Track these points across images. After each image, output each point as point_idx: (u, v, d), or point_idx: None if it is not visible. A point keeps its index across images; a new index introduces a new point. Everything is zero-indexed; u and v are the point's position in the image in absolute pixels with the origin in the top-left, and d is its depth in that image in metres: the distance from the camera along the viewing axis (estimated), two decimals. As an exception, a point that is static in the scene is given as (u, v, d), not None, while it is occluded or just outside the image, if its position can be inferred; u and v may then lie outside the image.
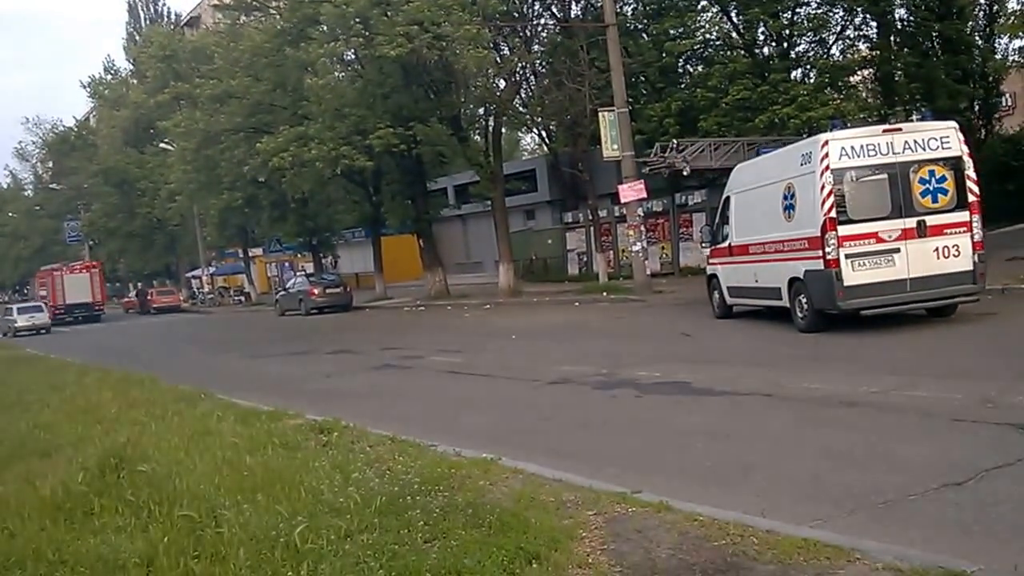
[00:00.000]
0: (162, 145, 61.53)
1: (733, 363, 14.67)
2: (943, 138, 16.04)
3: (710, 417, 10.87)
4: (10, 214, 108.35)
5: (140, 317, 64.80)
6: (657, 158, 29.26)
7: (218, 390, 15.87)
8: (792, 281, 17.08)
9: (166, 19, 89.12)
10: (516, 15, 36.99)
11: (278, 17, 40.65)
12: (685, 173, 29.31)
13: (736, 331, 19.14)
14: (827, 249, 15.69)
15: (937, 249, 15.69)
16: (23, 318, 56.73)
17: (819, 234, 15.83)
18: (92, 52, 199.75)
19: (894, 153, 15.80)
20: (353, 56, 39.92)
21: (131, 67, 79.46)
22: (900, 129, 16.39)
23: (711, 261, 21.66)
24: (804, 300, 16.81)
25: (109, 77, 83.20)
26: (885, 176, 15.86)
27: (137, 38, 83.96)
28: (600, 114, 30.45)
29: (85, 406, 15.12)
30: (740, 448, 9.12)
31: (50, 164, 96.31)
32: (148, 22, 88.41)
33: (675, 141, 28.88)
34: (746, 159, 26.43)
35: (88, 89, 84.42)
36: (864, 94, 31.82)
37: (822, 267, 15.86)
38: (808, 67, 30.76)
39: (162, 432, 11.57)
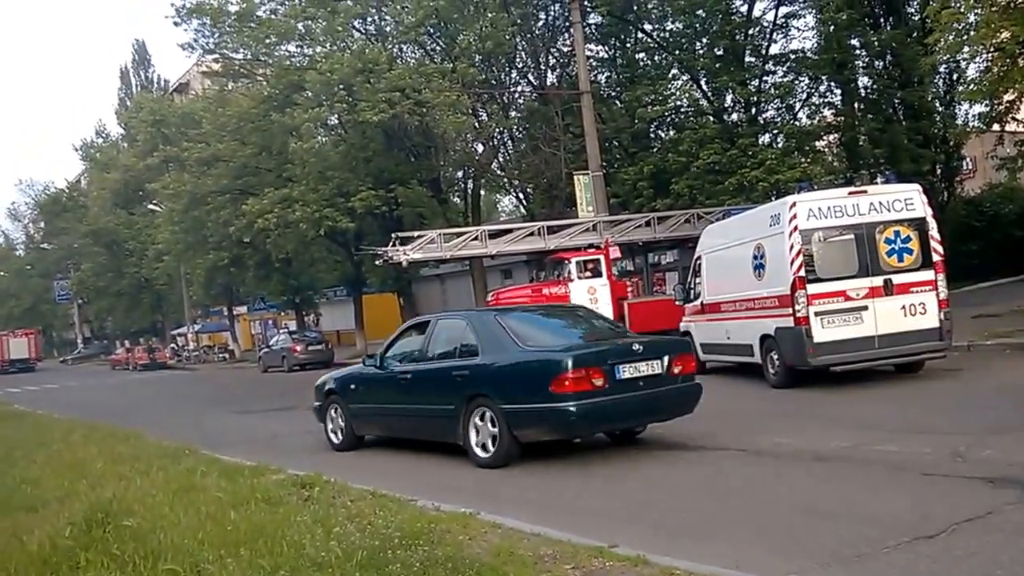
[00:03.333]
0: (151, 207, 61.70)
1: (706, 418, 13.96)
2: (907, 200, 16.06)
3: (684, 472, 10.73)
4: (1, 273, 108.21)
5: (127, 374, 63.97)
6: (385, 251, 29.68)
7: (202, 445, 15.54)
8: (763, 338, 16.93)
9: (156, 85, 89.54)
10: (494, 82, 37.29)
11: (264, 84, 40.90)
12: (404, 264, 29.79)
13: (709, 387, 18.18)
14: (797, 307, 15.58)
15: (904, 307, 15.65)
16: None
17: (789, 292, 15.73)
18: (84, 116, 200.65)
19: (860, 214, 15.76)
20: (337, 121, 40.25)
21: (122, 131, 79.37)
22: (865, 191, 16.43)
23: (684, 319, 21.39)
24: (775, 357, 16.65)
25: (100, 140, 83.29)
26: (852, 236, 15.79)
27: (128, 103, 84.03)
28: (576, 177, 30.56)
29: (72, 461, 14.68)
30: (714, 502, 9.01)
31: (42, 224, 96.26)
32: (139, 88, 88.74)
33: (396, 235, 29.55)
34: (478, 248, 28.60)
35: (80, 152, 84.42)
36: (830, 158, 32.08)
37: (792, 324, 15.73)
38: (776, 132, 31.05)
39: (147, 487, 11.27)
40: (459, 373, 12.54)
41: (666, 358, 12.11)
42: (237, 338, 66.50)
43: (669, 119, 33.98)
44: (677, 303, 22.25)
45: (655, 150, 33.65)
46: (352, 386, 14.94)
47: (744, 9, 31.42)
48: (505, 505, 9.31)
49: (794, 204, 15.87)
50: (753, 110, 31.02)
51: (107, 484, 11.62)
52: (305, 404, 22.79)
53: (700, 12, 30.98)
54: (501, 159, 40.81)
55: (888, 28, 29.14)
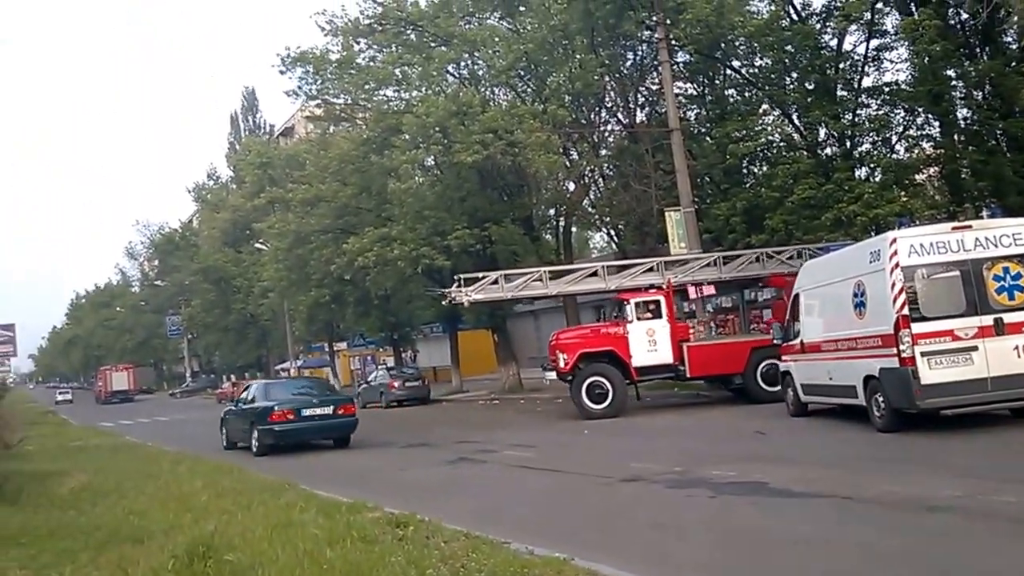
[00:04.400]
0: (257, 245, 62.52)
1: (810, 463, 14.05)
2: (1016, 234, 15.33)
3: (788, 521, 10.27)
4: (118, 308, 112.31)
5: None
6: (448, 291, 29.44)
7: (301, 481, 15.76)
8: (867, 379, 16.27)
9: (263, 130, 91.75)
10: (584, 122, 37.11)
11: (364, 127, 41.35)
12: (465, 304, 29.18)
13: (812, 430, 18.49)
14: (902, 347, 14.94)
15: (1018, 347, 14.79)
16: (60, 394, 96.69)
17: (892, 331, 15.11)
18: (198, 161, 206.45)
19: (965, 250, 15.12)
20: (433, 162, 40.30)
21: (231, 173, 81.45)
22: (970, 226, 15.70)
23: (784, 358, 20.85)
24: (880, 399, 15.96)
25: (212, 183, 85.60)
26: (957, 273, 15.14)
27: (237, 147, 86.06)
28: (667, 214, 30.08)
29: (178, 494, 15.20)
30: (822, 556, 8.57)
31: (156, 262, 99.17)
32: (247, 132, 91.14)
33: (461, 278, 28.81)
34: (539, 288, 28.71)
35: (192, 194, 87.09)
36: (931, 192, 30.99)
37: (897, 365, 15.08)
38: (873, 166, 30.06)
39: (248, 522, 11.53)
40: (250, 409, 25.22)
41: (332, 407, 24.72)
42: (337, 374, 66.77)
43: (761, 154, 33.15)
44: (775, 342, 21.62)
45: (748, 185, 32.94)
46: (225, 415, 28.12)
47: (834, 43, 30.71)
48: (595, 553, 8.91)
49: (894, 240, 15.38)
50: (848, 144, 30.16)
51: (210, 517, 12.02)
52: (401, 441, 25.14)
53: (789, 47, 30.35)
54: (592, 197, 40.59)
55: (985, 58, 28.04)
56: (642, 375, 26.04)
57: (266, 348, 79.86)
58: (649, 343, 25.57)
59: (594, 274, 28.52)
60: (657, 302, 25.96)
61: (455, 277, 30.04)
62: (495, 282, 28.69)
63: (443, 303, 32.13)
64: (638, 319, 25.76)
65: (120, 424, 46.67)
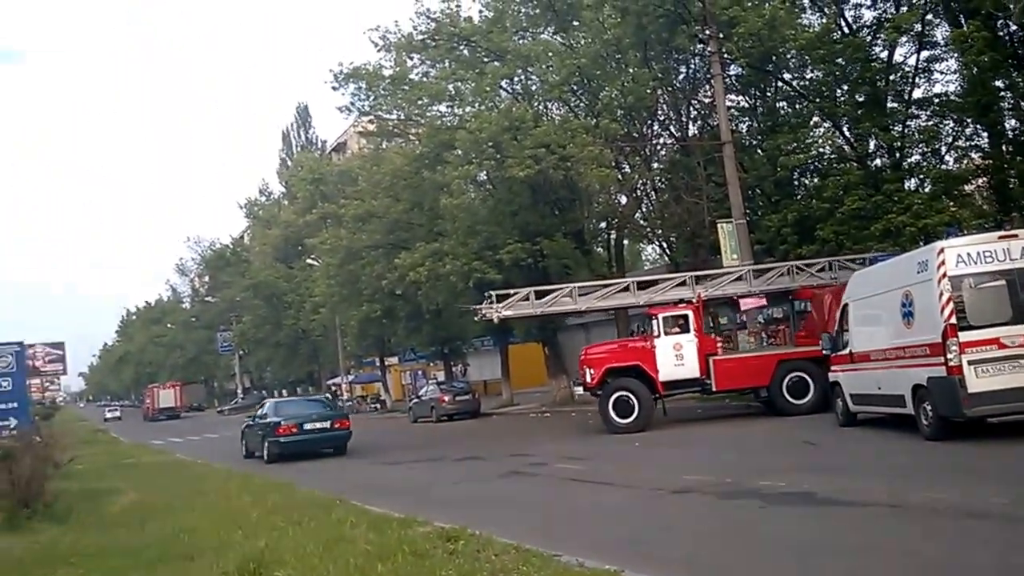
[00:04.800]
0: (309, 261, 63.59)
1: (858, 473, 14.15)
2: None
3: (837, 530, 10.32)
4: (168, 325, 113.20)
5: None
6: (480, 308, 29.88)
7: (352, 496, 15.89)
8: (915, 388, 16.34)
9: (316, 145, 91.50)
10: (636, 135, 37.29)
11: (417, 143, 41.84)
12: (495, 321, 29.81)
13: (861, 439, 18.50)
14: (949, 356, 14.98)
15: None
16: (109, 412, 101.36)
17: (940, 340, 15.17)
18: (249, 177, 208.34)
19: (1011, 259, 15.13)
20: (485, 177, 40.70)
21: (283, 189, 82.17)
22: (1016, 235, 15.69)
23: (833, 368, 20.86)
24: (928, 407, 16.02)
25: (263, 199, 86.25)
26: (1004, 282, 15.17)
27: (289, 163, 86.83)
28: (719, 225, 30.25)
29: (227, 510, 15.38)
30: (871, 565, 8.66)
31: (207, 278, 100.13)
32: (300, 148, 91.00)
33: (493, 294, 29.51)
34: (569, 304, 28.96)
35: (244, 210, 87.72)
36: (979, 201, 31.04)
37: (945, 374, 15.12)
38: (922, 177, 30.22)
39: (298, 538, 11.66)
40: (263, 424, 29.46)
41: (330, 421, 29.06)
42: (388, 388, 67.13)
43: (812, 166, 33.43)
44: (824, 352, 21.54)
45: (798, 197, 33.18)
46: (244, 429, 32.56)
47: (884, 55, 30.81)
48: (647, 565, 9.15)
49: (942, 250, 15.46)
50: (897, 155, 30.24)
51: (260, 534, 12.15)
52: (452, 455, 25.17)
53: (840, 60, 30.49)
54: (644, 209, 40.76)
55: None
56: (668, 389, 26.29)
57: (317, 363, 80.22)
58: (676, 357, 25.81)
59: (625, 289, 28.92)
60: (685, 316, 26.19)
61: (486, 294, 30.63)
62: (525, 298, 29.16)
63: (475, 319, 32.51)
64: (665, 333, 26.04)
65: (170, 441, 47.19)
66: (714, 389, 26.26)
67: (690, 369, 25.80)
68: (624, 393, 25.66)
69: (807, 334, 26.26)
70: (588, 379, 26.77)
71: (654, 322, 26.50)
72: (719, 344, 27.05)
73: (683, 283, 28.14)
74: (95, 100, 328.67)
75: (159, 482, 22.72)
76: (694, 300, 26.99)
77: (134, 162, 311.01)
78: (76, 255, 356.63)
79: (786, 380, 25.06)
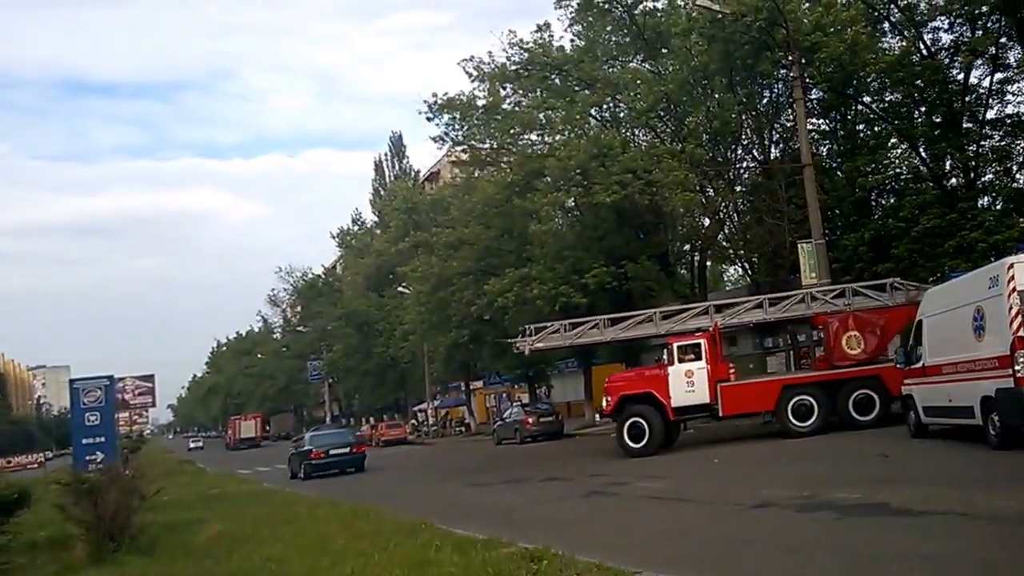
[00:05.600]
0: (400, 289, 63.80)
1: (929, 482, 14.32)
2: None
3: (909, 539, 10.40)
4: (259, 355, 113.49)
5: (369, 450, 65.10)
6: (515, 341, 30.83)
7: (437, 519, 15.79)
8: (984, 400, 16.52)
9: (409, 175, 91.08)
10: (720, 159, 37.80)
11: (508, 171, 42.35)
12: (527, 353, 30.94)
13: (931, 450, 18.81)
14: (1017, 367, 15.19)
15: None
16: (192, 443, 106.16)
17: (1009, 353, 15.37)
18: (340, 208, 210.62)
19: None
20: (573, 203, 40.97)
21: (375, 218, 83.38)
22: None
23: (906, 382, 21.14)
24: (996, 418, 16.20)
25: (356, 228, 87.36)
26: None
27: (382, 193, 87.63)
28: (799, 246, 30.69)
29: (314, 538, 15.37)
30: (942, 572, 8.88)
31: (298, 308, 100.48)
32: (392, 178, 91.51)
33: (528, 327, 30.51)
34: (597, 335, 29.50)
35: (337, 239, 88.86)
36: (1050, 217, 31.50)
37: (1012, 385, 15.30)
38: (994, 195, 30.82)
39: (384, 563, 11.70)
40: (302, 451, 39.93)
41: (350, 448, 39.27)
42: (473, 412, 67.34)
43: (889, 186, 34.01)
44: (898, 367, 21.94)
45: (875, 217, 33.73)
46: (291, 456, 41.65)
47: (960, 77, 31.46)
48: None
49: (1011, 265, 15.66)
50: (972, 174, 30.84)
51: (347, 561, 12.20)
52: (535, 476, 25.31)
53: (918, 82, 31.24)
54: (726, 231, 41.09)
55: None
56: (679, 415, 27.34)
57: (404, 390, 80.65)
58: (687, 384, 26.69)
59: (648, 320, 29.48)
60: (698, 345, 26.99)
61: (520, 328, 31.75)
62: (556, 331, 30.07)
63: (515, 351, 33.34)
64: (679, 361, 26.96)
65: (257, 471, 47.72)
66: (721, 414, 27.06)
67: (700, 395, 26.71)
68: (636, 419, 26.83)
69: (822, 359, 27.24)
70: (604, 406, 28.40)
71: (667, 351, 27.57)
72: (731, 371, 27.68)
73: (704, 312, 28.90)
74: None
75: (245, 511, 22.79)
76: (710, 329, 27.69)
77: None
78: (167, 289, 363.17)
79: (791, 404, 25.79)
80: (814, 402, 25.59)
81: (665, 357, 27.97)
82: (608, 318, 30.31)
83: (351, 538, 14.59)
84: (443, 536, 13.61)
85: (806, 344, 34.51)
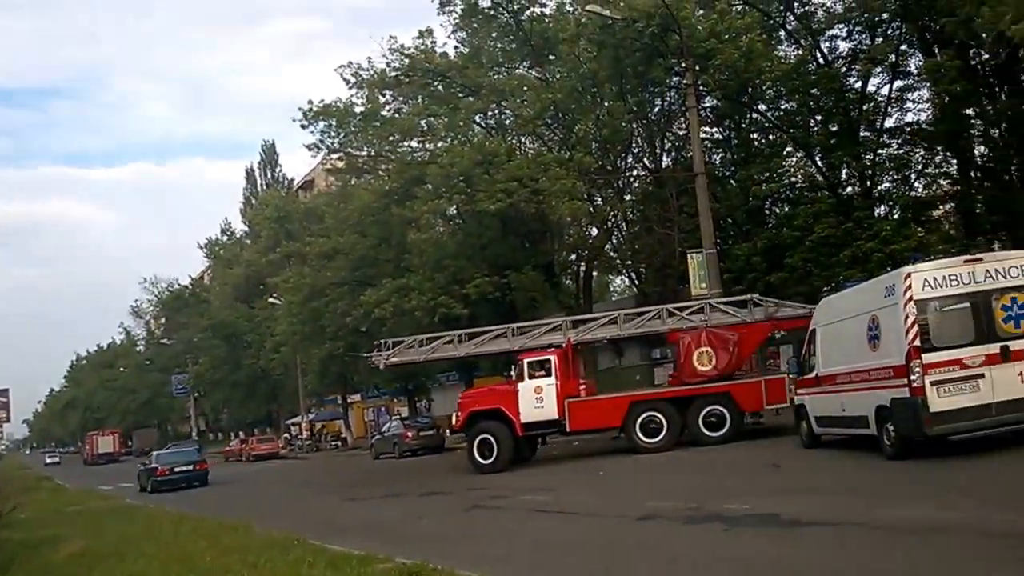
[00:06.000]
0: (270, 300, 62.11)
1: (822, 493, 14.33)
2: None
3: (797, 550, 10.41)
4: (121, 368, 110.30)
5: (240, 465, 63.05)
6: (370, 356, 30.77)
7: (311, 535, 15.47)
8: (879, 409, 16.37)
9: (282, 183, 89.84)
10: (610, 168, 37.29)
11: (386, 178, 41.20)
12: (381, 368, 30.75)
13: (824, 460, 18.71)
14: (912, 377, 15.06)
15: (1022, 373, 14.96)
16: (49, 458, 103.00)
17: (904, 362, 15.25)
18: (212, 218, 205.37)
19: (975, 282, 15.32)
20: (455, 211, 40.34)
21: (246, 228, 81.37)
22: (981, 259, 15.96)
23: (799, 392, 20.96)
24: (891, 428, 16.09)
25: (225, 238, 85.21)
26: (967, 304, 15.33)
27: (253, 202, 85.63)
28: (689, 255, 30.15)
29: (179, 555, 14.87)
30: None
31: (163, 320, 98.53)
32: (264, 187, 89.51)
33: (384, 342, 30.46)
34: (451, 351, 29.41)
35: (205, 250, 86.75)
36: (946, 227, 31.61)
37: (908, 395, 15.20)
38: (891, 204, 30.78)
39: None
40: (149, 467, 41.50)
41: (193, 465, 41.12)
42: (350, 426, 66.10)
43: (783, 195, 33.86)
44: (791, 376, 21.87)
45: (769, 226, 33.46)
46: (139, 472, 42.83)
47: (858, 85, 31.36)
48: None
49: (909, 275, 15.56)
50: (868, 183, 30.75)
51: None
52: (414, 491, 24.60)
53: (814, 91, 31.01)
54: (615, 241, 40.69)
55: (1003, 97, 28.96)
56: (528, 430, 26.88)
57: (276, 403, 79.04)
58: (536, 400, 26.26)
59: (502, 335, 29.14)
60: (548, 361, 26.60)
61: (374, 343, 31.35)
62: (410, 346, 29.79)
63: (370, 365, 32.86)
64: (529, 377, 26.52)
65: (120, 486, 45.86)
66: (568, 430, 26.69)
67: (548, 411, 26.31)
68: (486, 435, 26.53)
69: (675, 375, 26.92)
70: (454, 422, 28.28)
71: (518, 367, 27.22)
72: (582, 387, 27.40)
73: (557, 328, 28.51)
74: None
75: (108, 528, 22.13)
76: (563, 345, 27.29)
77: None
78: (22, 301, 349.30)
79: (639, 420, 25.49)
80: (663, 418, 25.32)
81: (515, 373, 27.65)
82: (465, 332, 30.07)
83: (219, 554, 14.11)
84: (316, 552, 13.23)
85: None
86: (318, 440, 67.50)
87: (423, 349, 29.68)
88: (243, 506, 25.80)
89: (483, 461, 26.38)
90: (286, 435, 72.46)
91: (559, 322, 28.99)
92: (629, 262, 40.18)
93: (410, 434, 43.50)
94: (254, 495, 33.07)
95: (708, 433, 24.80)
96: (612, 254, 41.38)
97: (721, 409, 24.86)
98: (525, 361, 26.86)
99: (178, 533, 18.46)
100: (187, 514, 23.13)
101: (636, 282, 40.77)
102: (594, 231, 40.16)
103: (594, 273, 44.39)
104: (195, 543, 16.07)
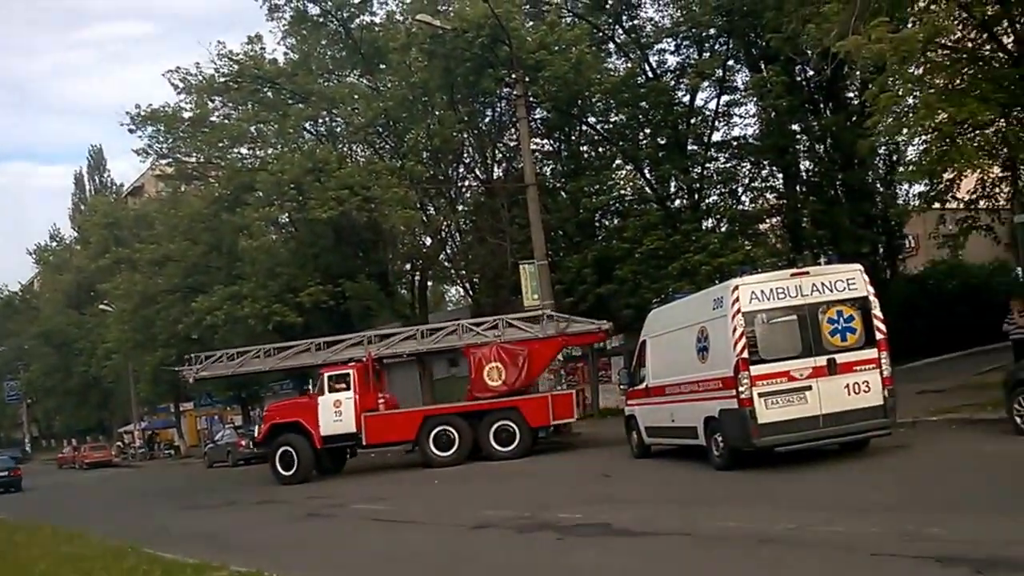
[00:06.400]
0: (101, 307, 59.30)
1: (652, 503, 14.23)
2: (849, 280, 15.46)
3: (629, 559, 10.19)
4: None
5: (73, 472, 61.24)
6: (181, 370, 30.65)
7: (145, 544, 14.62)
8: (708, 420, 16.22)
9: (111, 189, 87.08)
10: (441, 177, 36.48)
11: (216, 185, 39.80)
12: (191, 382, 30.84)
13: (654, 470, 18.44)
14: (740, 388, 14.85)
15: (848, 385, 14.90)
16: None
17: (732, 374, 15.02)
18: (42, 223, 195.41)
19: (802, 295, 15.15)
20: (287, 219, 39.33)
21: (75, 234, 77.42)
22: (807, 272, 15.84)
23: (629, 403, 20.64)
24: (720, 439, 15.95)
25: (54, 244, 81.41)
26: (795, 317, 15.16)
27: (83, 207, 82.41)
28: (521, 266, 29.65)
29: (13, 564, 14.27)
30: None
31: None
32: (93, 192, 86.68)
33: (194, 356, 30.14)
34: (258, 365, 29.43)
35: (34, 256, 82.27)
36: (773, 240, 31.66)
37: (736, 406, 15.00)
38: (719, 217, 30.64)
39: None
40: None
41: (8, 471, 42.89)
42: (183, 434, 64.42)
43: (614, 207, 33.40)
44: (621, 387, 21.53)
45: (600, 238, 33.01)
46: None
47: (687, 99, 31.14)
48: None
49: (736, 287, 15.35)
50: (696, 196, 30.64)
51: None
52: (248, 500, 24.00)
53: (643, 104, 30.59)
54: (448, 251, 39.88)
55: (828, 113, 29.22)
56: (327, 443, 26.58)
57: (108, 411, 76.03)
58: (335, 413, 26.05)
59: (307, 350, 28.99)
60: (347, 375, 26.40)
61: (184, 357, 31.13)
62: (220, 359, 29.69)
63: (181, 379, 32.36)
64: (329, 391, 26.32)
65: None
66: (364, 443, 26.59)
67: (347, 424, 26.11)
68: (287, 448, 26.30)
69: (469, 390, 26.76)
70: (256, 434, 28.55)
71: (319, 380, 27.16)
72: (381, 401, 27.24)
73: (360, 343, 28.32)
74: None
75: None
76: (363, 359, 27.06)
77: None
78: None
79: (432, 433, 25.34)
80: (455, 432, 25.17)
81: (316, 387, 27.71)
82: (273, 347, 29.80)
83: (53, 563, 13.52)
84: (151, 560, 12.74)
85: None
86: (151, 448, 65.43)
87: (231, 363, 29.39)
88: (78, 515, 24.67)
89: (284, 473, 26.11)
90: (119, 443, 70.19)
91: (361, 337, 28.84)
92: (463, 272, 39.48)
93: (244, 442, 41.49)
94: (89, 503, 31.71)
95: (499, 448, 24.63)
96: (446, 264, 40.54)
97: (511, 424, 24.72)
98: (325, 375, 26.63)
99: (11, 541, 17.82)
100: (21, 522, 22.38)
101: (470, 292, 40.08)
102: (428, 241, 39.25)
103: (429, 283, 43.22)
104: (28, 551, 15.54)
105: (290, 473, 26.00)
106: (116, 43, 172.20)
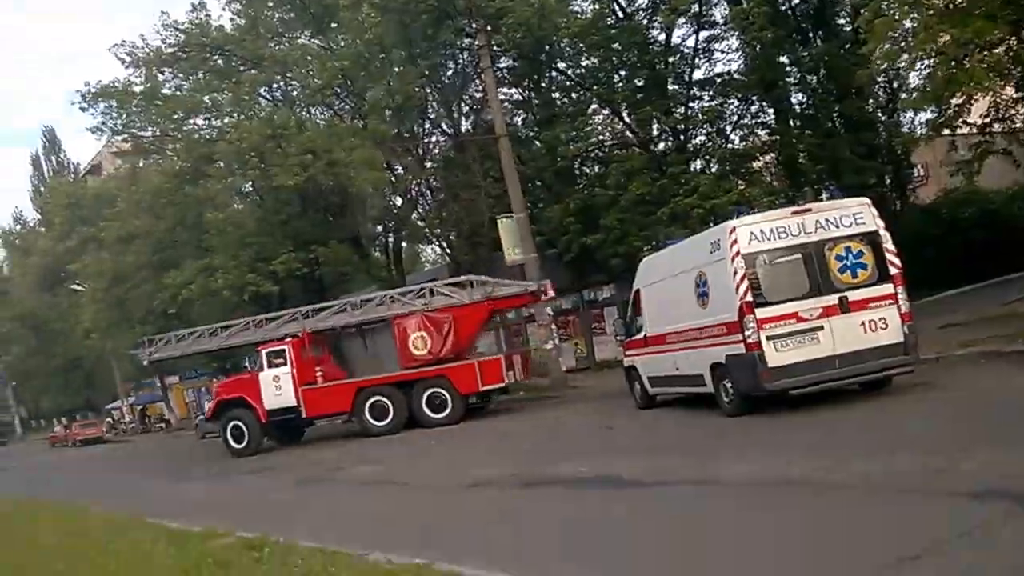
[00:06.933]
0: (74, 287, 57.56)
1: (662, 453, 13.32)
2: (856, 214, 14.31)
3: (641, 511, 9.70)
4: None
5: (66, 451, 59.31)
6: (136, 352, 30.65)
7: (148, 514, 14.35)
8: (714, 367, 15.07)
9: (69, 169, 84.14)
10: (407, 135, 34.25)
11: (175, 158, 37.54)
12: (145, 364, 31.05)
13: (662, 420, 17.25)
14: (747, 333, 13.86)
15: (864, 323, 13.79)
16: None
17: (737, 319, 14.01)
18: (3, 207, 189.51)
19: (806, 233, 14.04)
20: (251, 188, 37.28)
21: (39, 216, 75.79)
22: (810, 209, 14.57)
23: (628, 353, 19.41)
24: (728, 385, 14.81)
25: (19, 227, 79.79)
26: (799, 256, 14.08)
27: (43, 189, 79.98)
28: (499, 221, 28.02)
29: (21, 536, 14.13)
30: (681, 539, 8.12)
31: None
32: (51, 173, 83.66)
33: (145, 339, 30.20)
34: (201, 345, 29.24)
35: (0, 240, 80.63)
36: (769, 179, 29.64)
37: (743, 351, 13.98)
38: (708, 158, 28.66)
39: (98, 559, 10.54)
40: None
41: None
42: (172, 407, 62.43)
43: (593, 154, 31.31)
44: (618, 338, 20.67)
45: (581, 186, 30.86)
46: None
47: (662, 38, 28.91)
48: (453, 556, 8.10)
49: (733, 229, 14.31)
50: (682, 137, 28.55)
51: (59, 559, 11.03)
52: (245, 468, 23.20)
53: (615, 45, 28.37)
54: (420, 210, 37.91)
55: (818, 42, 27.14)
56: (272, 417, 26.37)
57: (94, 389, 74.29)
58: (276, 388, 25.85)
59: (246, 328, 28.53)
60: (283, 351, 26.06)
61: (138, 340, 30.93)
62: (169, 341, 29.64)
63: (141, 361, 32.04)
64: (268, 367, 26.03)
65: None
66: (304, 416, 26.21)
67: (287, 398, 25.90)
68: (236, 422, 26.37)
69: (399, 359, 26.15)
70: (206, 410, 28.78)
71: (259, 357, 26.85)
72: (318, 374, 26.36)
73: (295, 318, 27.83)
74: None
75: None
76: (299, 334, 26.56)
77: None
78: None
79: (367, 404, 24.99)
80: (389, 402, 24.78)
81: (256, 364, 27.31)
82: (219, 326, 29.31)
83: (61, 536, 13.36)
84: (156, 530, 12.50)
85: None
86: (143, 423, 63.35)
87: (180, 344, 29.28)
88: (79, 490, 23.89)
89: (236, 445, 26.22)
90: (108, 419, 68.20)
91: (295, 312, 28.21)
92: (438, 231, 37.58)
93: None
94: (88, 479, 30.94)
95: (432, 415, 24.21)
96: (420, 223, 38.65)
97: (442, 392, 24.30)
98: (263, 352, 26.37)
99: (19, 516, 17.71)
100: (24, 498, 22.02)
101: (447, 251, 38.07)
102: (398, 201, 37.42)
103: (403, 244, 41.58)
104: (34, 525, 15.33)
105: (242, 445, 26.08)
106: (56, 20, 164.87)
